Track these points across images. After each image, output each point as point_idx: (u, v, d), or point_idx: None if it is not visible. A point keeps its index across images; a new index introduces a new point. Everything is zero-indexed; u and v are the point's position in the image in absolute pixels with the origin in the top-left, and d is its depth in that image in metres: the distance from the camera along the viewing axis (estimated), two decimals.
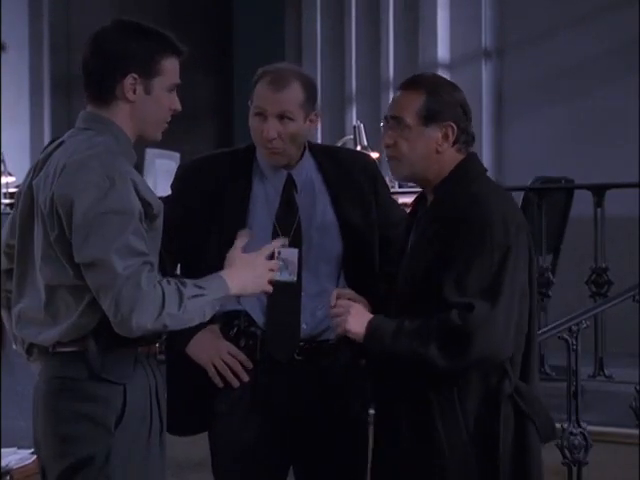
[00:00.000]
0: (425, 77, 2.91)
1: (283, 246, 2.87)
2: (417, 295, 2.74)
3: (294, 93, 3.06)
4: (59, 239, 2.59)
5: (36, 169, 2.71)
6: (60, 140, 2.72)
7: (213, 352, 3.08)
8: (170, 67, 2.71)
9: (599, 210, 5.65)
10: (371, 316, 2.76)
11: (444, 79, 2.90)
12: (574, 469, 4.12)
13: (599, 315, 5.19)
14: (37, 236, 2.65)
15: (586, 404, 4.34)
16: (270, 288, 2.80)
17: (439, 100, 2.77)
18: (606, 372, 5.59)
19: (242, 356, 3.08)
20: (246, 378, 3.08)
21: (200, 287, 2.61)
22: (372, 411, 3.03)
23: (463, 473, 2.71)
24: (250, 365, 3.08)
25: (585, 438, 4.15)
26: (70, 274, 2.58)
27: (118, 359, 2.63)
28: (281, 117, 3.05)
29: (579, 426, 4.14)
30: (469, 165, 2.82)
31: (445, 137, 2.78)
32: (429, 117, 2.77)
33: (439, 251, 2.70)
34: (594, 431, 4.24)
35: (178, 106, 2.74)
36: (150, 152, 7.35)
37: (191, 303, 2.57)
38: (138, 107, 2.69)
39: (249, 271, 2.73)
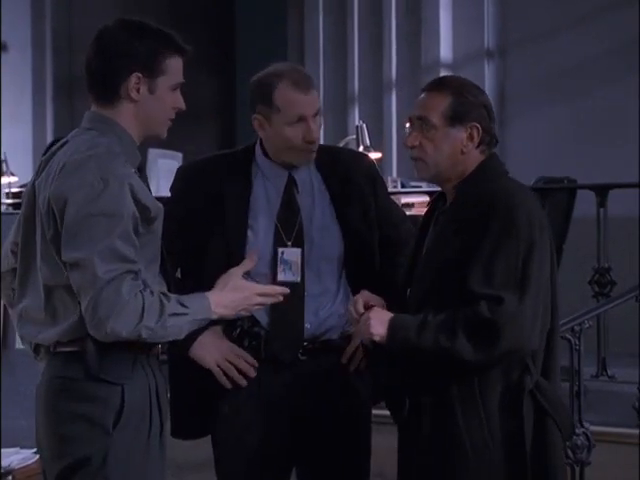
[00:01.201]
0: (450, 79, 2.94)
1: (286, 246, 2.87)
2: (436, 291, 2.74)
3: (316, 92, 3.11)
4: (54, 239, 2.59)
5: (40, 169, 2.71)
6: (64, 140, 2.72)
7: (217, 354, 3.07)
8: (174, 66, 2.70)
9: (602, 210, 5.65)
10: (390, 315, 2.76)
11: (469, 81, 2.90)
12: (577, 469, 4.11)
13: (602, 315, 5.18)
14: (38, 236, 2.66)
15: (589, 404, 4.34)
16: (256, 309, 2.78)
17: (464, 101, 2.79)
18: (609, 372, 5.59)
19: (247, 356, 3.08)
20: (253, 374, 3.07)
21: (184, 305, 2.59)
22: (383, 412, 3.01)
23: (486, 470, 2.70)
24: (255, 363, 3.08)
25: (588, 438, 4.14)
26: (65, 274, 2.58)
27: (116, 359, 2.62)
28: (314, 116, 3.07)
29: (582, 426, 4.13)
30: (491, 164, 2.84)
31: (470, 138, 2.80)
32: (455, 118, 2.78)
33: (461, 246, 2.70)
34: (597, 431, 4.23)
35: (182, 105, 2.73)
36: (153, 152, 7.36)
37: (171, 320, 2.56)
38: (142, 106, 2.68)
39: (237, 295, 2.71)
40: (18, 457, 3.62)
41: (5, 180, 7.73)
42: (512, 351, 2.67)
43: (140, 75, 2.65)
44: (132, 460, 2.63)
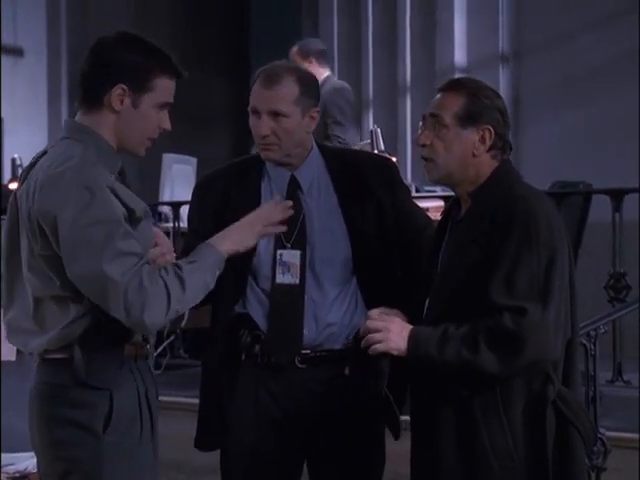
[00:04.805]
0: (467, 80, 2.92)
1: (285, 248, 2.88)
2: (456, 303, 2.70)
3: (286, 89, 3.04)
4: (44, 253, 2.59)
5: (21, 179, 2.71)
6: (44, 150, 2.72)
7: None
8: (163, 86, 2.69)
9: (617, 215, 5.63)
10: (410, 328, 2.71)
11: (485, 84, 2.88)
12: (593, 475, 4.10)
13: (617, 320, 5.17)
14: (23, 248, 2.66)
15: (604, 410, 4.32)
16: (264, 232, 2.78)
17: (478, 103, 2.76)
18: (624, 377, 5.57)
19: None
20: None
21: (192, 262, 2.62)
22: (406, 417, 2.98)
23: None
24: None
25: (604, 444, 4.13)
26: (56, 285, 2.59)
27: (104, 365, 2.64)
28: (275, 114, 3.03)
29: (598, 432, 4.12)
30: (507, 171, 2.81)
31: (482, 141, 2.77)
32: (467, 119, 2.75)
33: (481, 255, 2.67)
34: (612, 437, 4.22)
35: (168, 125, 2.72)
36: (167, 157, 7.35)
37: (190, 281, 2.58)
38: (123, 119, 2.67)
39: (240, 227, 2.75)
40: (34, 461, 3.62)
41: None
42: (536, 361, 2.64)
43: (125, 87, 2.65)
44: (124, 463, 2.65)
